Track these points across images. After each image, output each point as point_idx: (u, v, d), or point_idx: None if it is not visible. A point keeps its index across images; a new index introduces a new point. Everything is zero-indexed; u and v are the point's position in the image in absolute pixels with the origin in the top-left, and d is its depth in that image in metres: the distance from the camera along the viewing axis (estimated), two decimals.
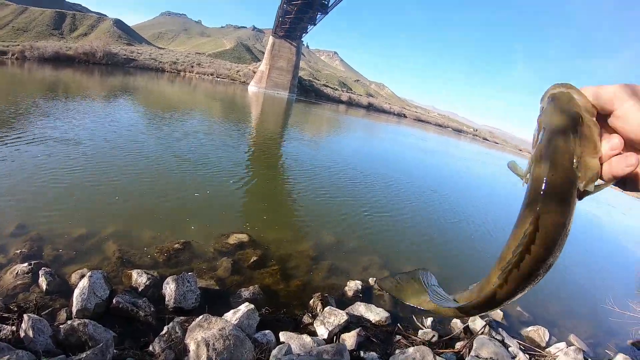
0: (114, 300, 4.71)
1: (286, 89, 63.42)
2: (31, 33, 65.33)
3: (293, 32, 63.08)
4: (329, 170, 15.48)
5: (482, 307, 0.69)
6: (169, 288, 5.17)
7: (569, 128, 0.58)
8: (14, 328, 3.57)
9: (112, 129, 14.39)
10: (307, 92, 77.60)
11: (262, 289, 5.94)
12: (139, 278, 5.46)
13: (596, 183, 0.58)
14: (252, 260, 6.80)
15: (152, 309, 4.79)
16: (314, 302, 5.80)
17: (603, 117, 0.60)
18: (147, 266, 6.04)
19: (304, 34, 64.30)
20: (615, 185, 0.60)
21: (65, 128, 13.25)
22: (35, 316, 3.77)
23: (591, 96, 0.60)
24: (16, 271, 5.13)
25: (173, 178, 10.39)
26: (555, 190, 0.57)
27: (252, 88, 63.64)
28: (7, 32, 62.65)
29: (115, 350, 3.48)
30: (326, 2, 54.16)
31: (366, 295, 6.62)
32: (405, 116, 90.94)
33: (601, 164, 0.58)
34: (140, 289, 5.25)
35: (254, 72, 70.73)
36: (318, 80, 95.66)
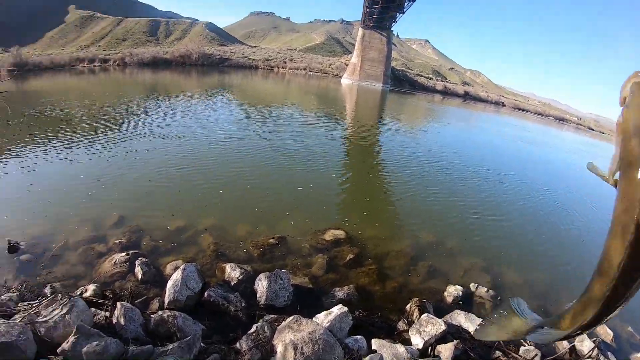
0: (205, 294, 4.85)
1: (379, 80, 65.24)
2: (129, 41, 77.20)
3: (382, 22, 64.63)
4: (428, 163, 15.01)
5: (584, 328, 0.76)
6: (261, 285, 5.20)
7: None
8: (107, 314, 3.82)
9: (212, 126, 15.98)
10: (400, 82, 79.17)
11: (357, 289, 5.82)
12: (232, 272, 5.58)
13: None
14: (348, 258, 6.71)
15: (243, 304, 4.82)
16: (411, 307, 5.62)
17: None
18: (242, 260, 6.24)
19: (393, 24, 65.88)
20: None
21: (166, 125, 15.10)
22: (128, 304, 3.99)
23: None
24: (114, 260, 5.65)
25: (273, 172, 10.93)
26: None
27: (345, 80, 66.48)
28: (107, 41, 75.29)
29: (202, 344, 3.46)
30: None
31: (466, 302, 6.28)
32: (503, 104, 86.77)
33: None
34: (232, 283, 5.35)
35: (346, 65, 73.89)
36: (411, 70, 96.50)
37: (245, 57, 74.59)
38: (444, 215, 9.90)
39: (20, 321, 3.07)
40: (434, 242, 8.16)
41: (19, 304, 3.63)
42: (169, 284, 4.90)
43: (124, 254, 5.85)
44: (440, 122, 33.71)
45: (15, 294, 3.98)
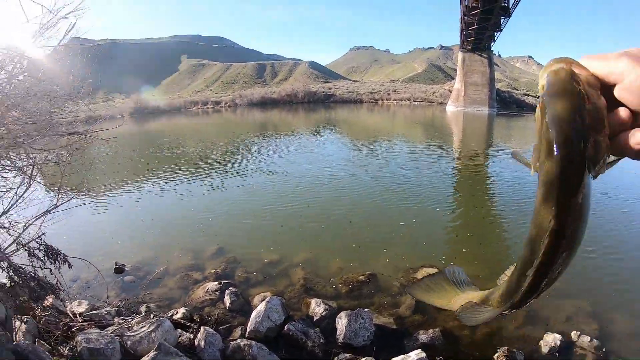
0: (285, 327, 5.04)
1: (485, 104, 63.85)
2: (238, 84, 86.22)
3: (480, 43, 63.78)
4: (530, 189, 13.50)
5: (518, 305, 0.74)
6: (341, 323, 5.21)
7: (574, 109, 0.60)
8: (191, 336, 4.22)
9: (318, 161, 17.05)
10: (507, 104, 77.02)
11: (442, 333, 5.50)
12: (317, 308, 5.71)
13: (608, 160, 0.62)
14: None
15: (322, 340, 4.88)
16: (498, 357, 5.16)
17: (607, 89, 0.63)
18: (328, 296, 6.34)
19: (492, 43, 65.10)
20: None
21: (274, 162, 16.58)
22: (211, 330, 4.38)
23: (594, 68, 0.63)
24: (207, 288, 6.24)
25: (376, 208, 11.04)
26: (570, 181, 0.61)
27: (450, 107, 66.22)
28: (217, 85, 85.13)
29: None
30: (506, 4, 54.18)
31: (564, 353, 5.56)
32: None
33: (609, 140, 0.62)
34: (315, 319, 5.46)
35: (450, 91, 73.51)
36: (517, 90, 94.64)
37: (349, 91, 78.02)
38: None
39: (111, 332, 3.57)
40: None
41: (115, 318, 4.23)
42: (253, 314, 5.20)
43: (216, 282, 6.41)
44: None
45: (113, 309, 4.64)
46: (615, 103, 0.62)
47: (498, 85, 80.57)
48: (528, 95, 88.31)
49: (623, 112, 0.61)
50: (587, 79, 0.62)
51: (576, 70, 0.62)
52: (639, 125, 0.61)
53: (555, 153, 0.60)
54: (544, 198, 0.64)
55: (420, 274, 7.06)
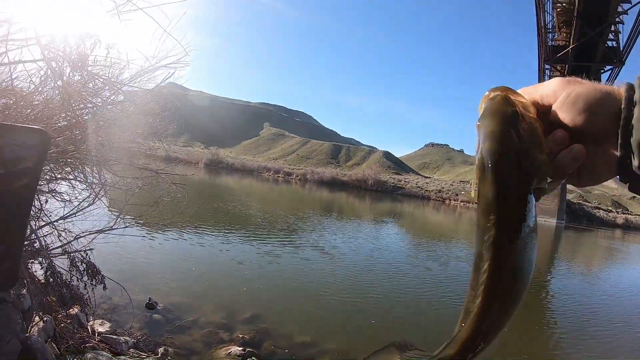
0: None
1: (553, 215, 63.09)
2: (312, 160, 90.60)
3: None
4: (600, 315, 12.78)
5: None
6: None
7: (506, 126, 0.59)
8: None
9: (378, 252, 16.94)
10: (577, 216, 76.95)
11: None
12: None
13: (549, 181, 0.64)
14: None
15: None
16: None
17: (545, 115, 0.66)
18: None
19: None
20: (569, 181, 0.70)
21: (332, 243, 16.79)
22: None
23: (528, 93, 0.67)
24: (230, 351, 6.02)
25: (426, 315, 10.42)
26: (509, 206, 0.59)
27: None
28: (293, 158, 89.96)
29: None
30: None
31: None
32: None
33: (550, 162, 0.63)
34: None
35: None
36: (588, 202, 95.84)
37: (418, 187, 79.71)
38: None
39: None
40: None
41: (130, 350, 4.16)
42: None
43: (241, 348, 6.18)
44: (622, 265, 29.80)
45: (132, 340, 4.60)
46: (552, 127, 0.64)
47: (569, 196, 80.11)
48: (599, 208, 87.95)
49: (559, 132, 0.63)
50: (522, 103, 0.64)
51: (511, 96, 0.64)
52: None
53: (487, 170, 0.59)
54: (481, 222, 0.61)
55: None
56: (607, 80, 46.40)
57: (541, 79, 49.85)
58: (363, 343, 7.78)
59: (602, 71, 45.00)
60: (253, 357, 5.96)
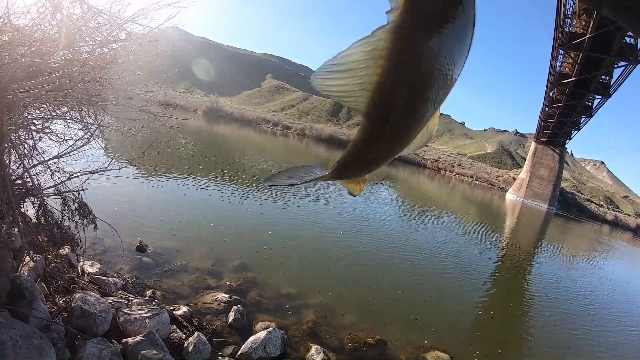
0: None
1: (546, 201, 63.61)
2: (312, 116, 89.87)
3: (556, 137, 64.02)
4: (583, 304, 13.28)
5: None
6: None
7: None
8: (183, 336, 4.16)
9: (367, 213, 17.15)
10: (568, 206, 78.02)
11: None
12: (316, 355, 5.44)
13: None
14: None
15: None
16: None
17: None
18: (331, 347, 6.04)
19: (567, 140, 65.51)
20: None
21: (325, 199, 16.99)
22: (203, 337, 4.31)
23: None
24: (216, 297, 6.18)
25: (406, 275, 10.74)
26: None
27: (509, 196, 66.73)
28: (293, 112, 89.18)
29: None
30: (590, 104, 52.93)
31: None
32: None
33: None
34: None
35: (514, 179, 74.38)
36: (581, 193, 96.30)
37: (416, 154, 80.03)
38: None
39: (109, 303, 3.59)
40: None
41: (119, 291, 4.26)
42: (251, 338, 5.07)
43: (227, 295, 6.35)
44: (607, 259, 30.55)
45: (121, 282, 4.71)
46: None
47: (563, 185, 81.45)
48: (591, 202, 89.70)
49: None
50: None
51: None
52: None
53: None
54: None
55: (430, 356, 6.64)
56: (618, 77, 45.78)
57: (553, 62, 48.91)
58: (347, 299, 8.00)
59: (615, 66, 43.90)
60: (238, 305, 6.11)
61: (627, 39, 39.65)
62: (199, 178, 14.07)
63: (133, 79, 6.87)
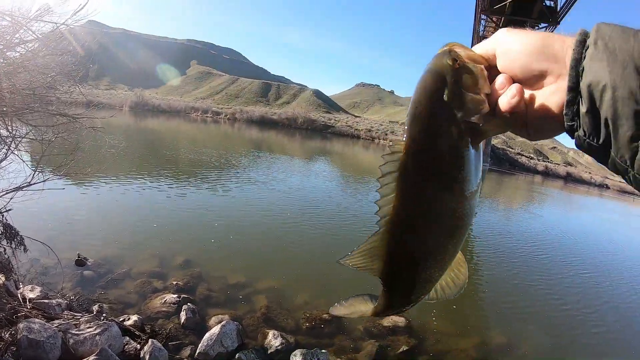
0: (237, 355, 4.94)
1: None
2: (241, 99, 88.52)
3: None
4: (521, 251, 14.12)
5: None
6: None
7: (443, 67, 0.63)
8: (138, 347, 4.09)
9: (304, 189, 17.35)
10: (500, 161, 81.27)
11: None
12: (273, 340, 5.57)
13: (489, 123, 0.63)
14: (401, 349, 6.30)
15: None
16: None
17: (494, 67, 0.65)
18: (288, 330, 6.20)
19: None
20: (519, 133, 0.67)
21: (260, 181, 16.91)
22: (159, 344, 4.26)
23: (480, 47, 0.68)
24: (165, 299, 6.06)
25: (357, 243, 10.98)
26: (438, 154, 0.64)
27: None
28: (221, 97, 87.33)
29: None
30: None
31: None
32: (607, 187, 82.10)
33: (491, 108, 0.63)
34: (269, 351, 5.34)
35: None
36: (512, 148, 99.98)
37: (348, 125, 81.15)
38: (521, 311, 9.10)
39: (56, 326, 3.44)
40: (505, 344, 7.40)
41: (64, 312, 4.08)
42: (206, 335, 5.08)
43: (176, 295, 6.24)
44: (541, 207, 32.89)
45: (65, 302, 4.50)
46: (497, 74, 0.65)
47: (494, 142, 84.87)
48: (522, 155, 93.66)
49: (500, 77, 0.63)
50: (469, 55, 0.65)
51: (458, 49, 0.65)
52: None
53: (415, 118, 0.65)
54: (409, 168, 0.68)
55: (386, 322, 6.98)
56: None
57: (476, 27, 50.96)
58: (298, 279, 8.17)
59: (536, 28, 46.91)
60: (188, 303, 6.05)
61: (547, 2, 42.83)
62: (133, 178, 13.40)
63: (47, 82, 6.42)
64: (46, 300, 4.15)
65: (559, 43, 0.59)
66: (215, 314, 6.12)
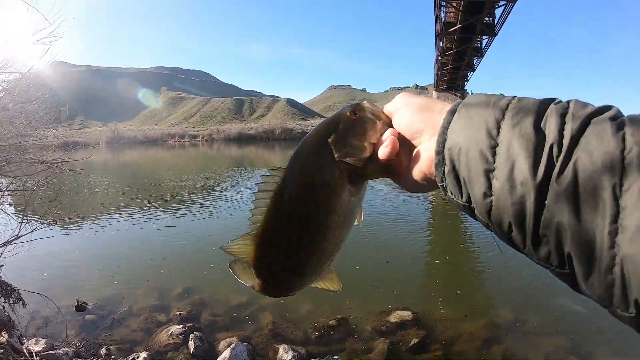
0: None
1: None
2: (216, 119, 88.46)
3: (454, 82, 67.64)
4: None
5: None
6: None
7: (341, 116, 0.75)
8: None
9: None
10: None
11: None
12: (285, 354, 5.56)
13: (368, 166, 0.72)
14: (412, 342, 6.27)
15: None
16: None
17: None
18: (297, 341, 6.20)
19: (465, 82, 69.07)
20: (398, 183, 0.75)
21: (247, 199, 16.43)
22: None
23: (385, 107, 0.75)
24: (171, 331, 6.00)
25: (346, 249, 10.87)
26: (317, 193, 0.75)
27: None
28: (195, 119, 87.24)
29: None
30: (479, 45, 57.04)
31: None
32: None
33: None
34: None
35: None
36: None
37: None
38: (524, 287, 8.91)
39: None
40: (512, 320, 7.36)
41: None
42: None
43: (181, 326, 6.18)
44: None
45: (72, 349, 4.43)
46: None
47: None
48: None
49: (388, 132, 0.70)
50: (373, 110, 0.74)
51: (365, 105, 0.74)
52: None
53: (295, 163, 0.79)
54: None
55: (393, 318, 6.97)
56: (500, 16, 51.60)
57: (437, 14, 52.86)
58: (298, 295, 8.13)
59: (496, 6, 50.22)
60: (195, 332, 6.01)
61: (487, 19, 45.78)
62: (121, 215, 13.29)
63: (19, 131, 6.35)
64: (52, 351, 4.08)
65: (439, 107, 0.66)
66: (223, 338, 6.09)
